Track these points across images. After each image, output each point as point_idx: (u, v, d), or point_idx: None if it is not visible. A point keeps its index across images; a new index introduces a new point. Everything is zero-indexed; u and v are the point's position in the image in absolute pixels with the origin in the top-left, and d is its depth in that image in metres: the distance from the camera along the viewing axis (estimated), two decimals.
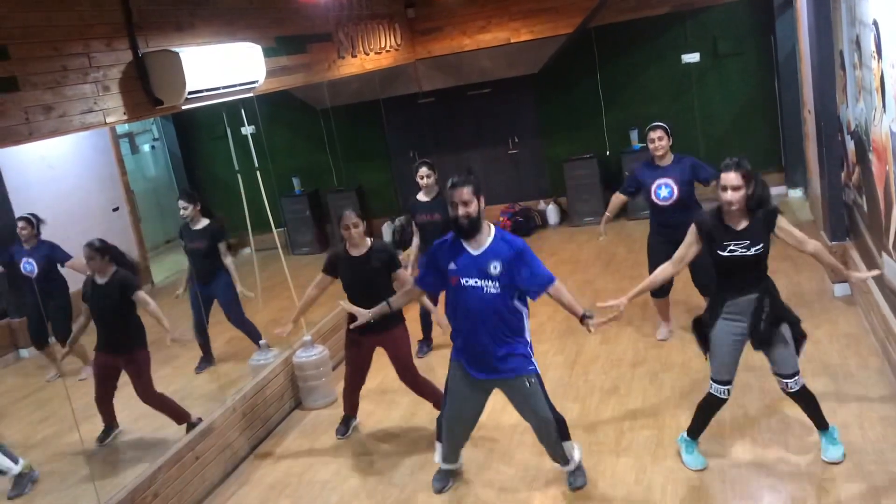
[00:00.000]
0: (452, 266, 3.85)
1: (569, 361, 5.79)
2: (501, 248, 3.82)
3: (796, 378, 3.92)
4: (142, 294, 5.00)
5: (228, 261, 6.29)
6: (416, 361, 6.18)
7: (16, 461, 4.80)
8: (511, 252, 3.81)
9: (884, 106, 4.33)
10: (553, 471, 4.34)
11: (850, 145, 5.65)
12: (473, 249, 3.84)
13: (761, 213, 3.84)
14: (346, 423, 5.27)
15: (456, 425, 4.22)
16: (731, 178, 3.75)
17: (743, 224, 3.83)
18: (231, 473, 4.97)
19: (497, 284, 3.78)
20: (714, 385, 4.02)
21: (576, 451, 4.17)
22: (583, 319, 3.99)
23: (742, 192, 3.76)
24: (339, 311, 6.52)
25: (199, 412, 5.16)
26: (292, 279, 6.12)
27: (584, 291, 7.31)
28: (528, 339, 3.98)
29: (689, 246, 4.02)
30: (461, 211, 3.78)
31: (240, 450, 5.12)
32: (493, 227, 3.91)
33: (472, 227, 3.81)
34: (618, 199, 5.94)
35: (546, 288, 3.90)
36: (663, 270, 4.15)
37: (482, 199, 3.85)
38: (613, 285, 7.33)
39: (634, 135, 9.43)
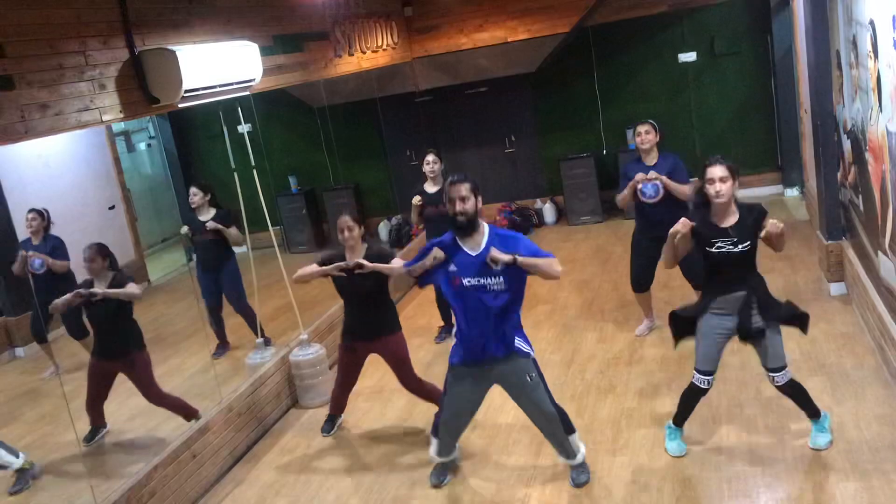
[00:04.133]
0: (453, 268, 3.91)
1: (565, 360, 5.80)
2: (498, 245, 3.87)
3: (784, 372, 4.05)
4: (133, 285, 4.93)
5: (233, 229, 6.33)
6: (435, 346, 6.25)
7: (16, 455, 4.80)
8: (508, 245, 3.88)
9: (880, 105, 4.34)
10: (549, 469, 4.35)
11: (847, 145, 5.66)
12: (471, 250, 3.90)
13: (748, 211, 3.94)
14: (332, 422, 5.29)
15: (453, 424, 4.26)
16: (717, 170, 3.89)
17: (730, 221, 3.94)
18: (227, 472, 4.97)
19: (500, 280, 3.85)
20: (697, 375, 4.15)
21: (581, 445, 4.22)
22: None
23: (729, 184, 3.88)
24: (334, 310, 6.52)
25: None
26: (289, 277, 6.11)
27: (582, 290, 7.32)
28: (521, 332, 4.07)
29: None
30: (459, 207, 3.86)
31: (236, 448, 5.12)
32: (487, 225, 3.98)
33: (469, 225, 3.88)
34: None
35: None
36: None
37: (479, 199, 3.93)
38: (610, 284, 7.34)
39: (631, 134, 9.41)
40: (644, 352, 5.73)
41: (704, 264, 4.08)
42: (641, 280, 5.89)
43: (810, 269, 6.73)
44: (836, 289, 6.12)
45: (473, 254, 3.88)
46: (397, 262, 4.71)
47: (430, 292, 6.67)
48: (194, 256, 6.70)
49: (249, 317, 6.44)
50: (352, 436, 5.21)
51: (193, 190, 6.37)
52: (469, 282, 3.87)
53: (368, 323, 4.90)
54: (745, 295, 3.96)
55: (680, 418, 4.31)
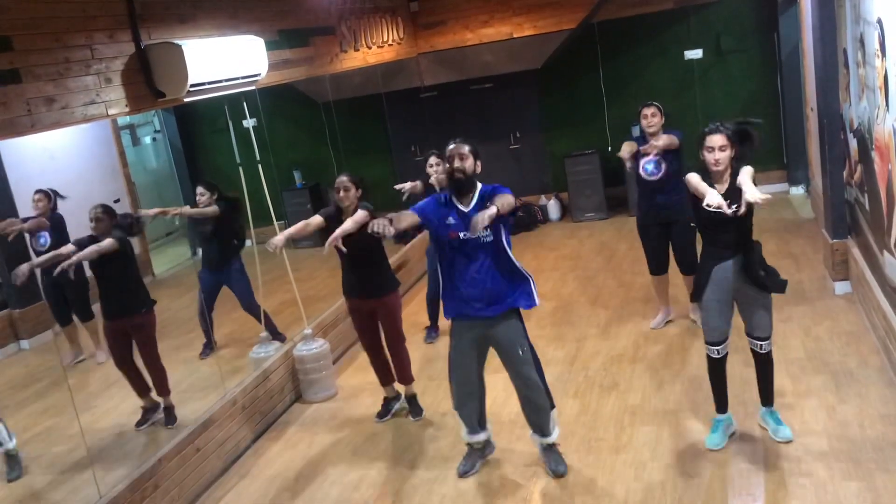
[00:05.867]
0: (451, 220, 4.05)
1: (569, 357, 5.79)
2: (484, 199, 4.03)
3: (769, 342, 4.16)
4: (108, 241, 4.96)
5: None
6: (425, 347, 6.28)
7: (10, 438, 4.85)
8: (489, 198, 3.99)
9: (887, 104, 4.33)
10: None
11: (853, 143, 5.64)
12: (464, 207, 4.06)
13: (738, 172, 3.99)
14: (386, 407, 5.32)
15: (464, 387, 4.28)
16: (716, 139, 3.96)
17: (725, 185, 4.01)
18: (231, 466, 4.98)
19: (488, 231, 3.97)
20: (707, 346, 4.23)
21: (557, 426, 4.31)
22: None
23: (727, 153, 3.96)
24: (339, 305, 6.53)
25: (200, 404, 5.17)
26: (293, 272, 6.13)
27: (585, 287, 7.32)
28: (525, 271, 4.11)
29: (701, 183, 3.99)
30: (457, 164, 4.02)
31: (240, 442, 5.13)
32: (479, 184, 4.12)
33: (467, 183, 4.05)
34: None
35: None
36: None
37: (478, 163, 4.09)
38: (614, 281, 7.34)
39: (636, 131, 9.38)
40: (647, 349, 5.73)
41: (702, 230, 4.17)
42: (660, 262, 5.93)
43: (815, 268, 6.72)
44: (840, 287, 6.11)
45: (466, 210, 4.04)
46: (359, 214, 4.81)
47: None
48: (199, 252, 6.71)
49: (258, 314, 6.44)
50: (356, 430, 5.22)
51: (200, 190, 6.38)
52: (465, 235, 4.00)
53: (364, 283, 5.03)
54: (741, 258, 4.03)
55: (717, 401, 4.34)
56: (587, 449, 4.45)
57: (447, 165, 4.05)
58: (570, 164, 9.76)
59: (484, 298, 4.04)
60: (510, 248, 4.10)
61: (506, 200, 3.92)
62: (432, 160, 6.29)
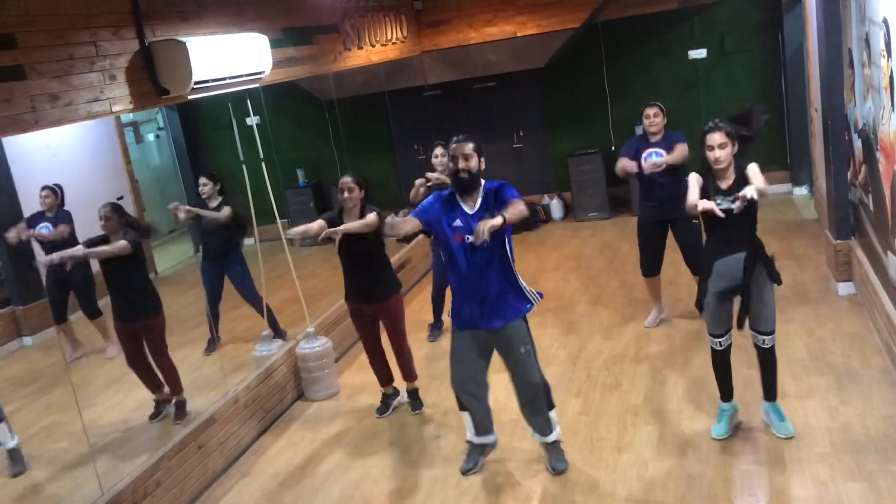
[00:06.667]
0: (458, 223, 4.00)
1: (571, 357, 5.79)
2: (488, 200, 3.99)
3: (772, 336, 4.18)
4: (122, 242, 4.98)
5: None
6: (428, 346, 6.28)
7: (13, 437, 4.86)
8: (499, 198, 3.96)
9: (892, 104, 4.32)
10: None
11: (858, 144, 5.63)
12: (469, 208, 4.01)
13: (742, 169, 4.03)
14: (386, 403, 5.35)
15: (469, 389, 4.27)
16: (715, 137, 4.00)
17: (729, 181, 4.04)
18: (233, 464, 4.99)
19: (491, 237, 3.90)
20: (710, 338, 4.30)
21: (557, 426, 4.30)
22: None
23: (728, 150, 3.99)
24: (341, 304, 6.53)
25: (202, 401, 5.19)
26: (296, 270, 6.13)
27: (588, 286, 7.31)
28: (520, 279, 4.08)
29: (694, 187, 4.11)
30: (461, 164, 3.98)
31: (242, 440, 5.13)
32: (483, 181, 4.06)
33: (471, 182, 4.00)
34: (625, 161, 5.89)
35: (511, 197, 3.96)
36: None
37: (483, 160, 4.04)
38: (617, 280, 7.33)
39: (640, 130, 9.38)
40: (650, 348, 5.72)
41: (706, 228, 4.19)
42: (651, 264, 5.95)
43: (818, 269, 6.71)
44: (844, 288, 6.10)
45: (471, 212, 3.98)
46: (370, 217, 4.80)
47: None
48: (200, 247, 6.74)
49: (258, 305, 6.46)
50: (357, 428, 5.22)
51: (203, 180, 6.42)
52: (468, 238, 3.94)
53: (366, 285, 5.04)
54: (745, 256, 4.04)
55: (722, 391, 4.38)
56: (590, 448, 4.45)
57: (451, 163, 4.02)
58: (573, 164, 9.76)
59: (487, 308, 4.00)
60: (513, 259, 4.04)
61: (515, 210, 3.86)
62: (438, 151, 6.25)
